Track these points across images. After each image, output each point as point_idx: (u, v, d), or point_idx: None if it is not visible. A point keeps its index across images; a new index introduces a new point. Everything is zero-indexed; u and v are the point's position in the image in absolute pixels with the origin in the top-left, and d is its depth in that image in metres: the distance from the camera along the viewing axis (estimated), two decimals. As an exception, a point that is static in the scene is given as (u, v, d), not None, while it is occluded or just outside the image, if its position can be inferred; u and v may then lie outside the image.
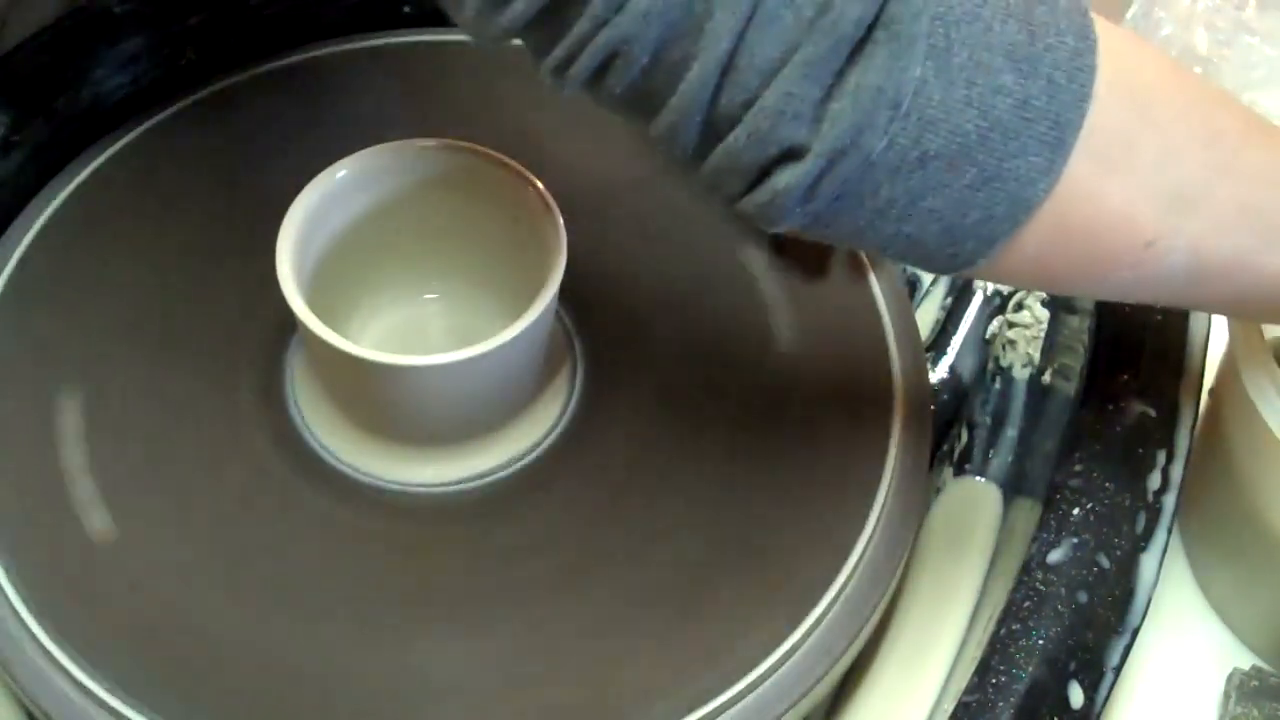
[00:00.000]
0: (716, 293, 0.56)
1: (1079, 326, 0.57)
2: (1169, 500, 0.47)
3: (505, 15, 0.35)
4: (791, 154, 0.35)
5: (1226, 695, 0.52)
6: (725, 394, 0.53)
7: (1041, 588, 0.44)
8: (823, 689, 0.47)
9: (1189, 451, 0.48)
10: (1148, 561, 0.46)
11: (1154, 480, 0.47)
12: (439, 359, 0.46)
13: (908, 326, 0.56)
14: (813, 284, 0.57)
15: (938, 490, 0.57)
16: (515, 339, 0.46)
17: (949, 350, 0.60)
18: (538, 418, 0.52)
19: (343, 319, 0.53)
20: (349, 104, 0.60)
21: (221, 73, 0.60)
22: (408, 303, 0.55)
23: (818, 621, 0.47)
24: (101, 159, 0.57)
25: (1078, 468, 0.47)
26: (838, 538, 0.49)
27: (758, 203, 0.36)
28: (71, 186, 0.56)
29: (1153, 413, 0.49)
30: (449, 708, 0.45)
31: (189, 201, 0.56)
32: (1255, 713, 0.50)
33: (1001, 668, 0.43)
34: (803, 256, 0.57)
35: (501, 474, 0.51)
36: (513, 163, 0.50)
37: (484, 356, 0.46)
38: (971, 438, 0.58)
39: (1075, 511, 0.46)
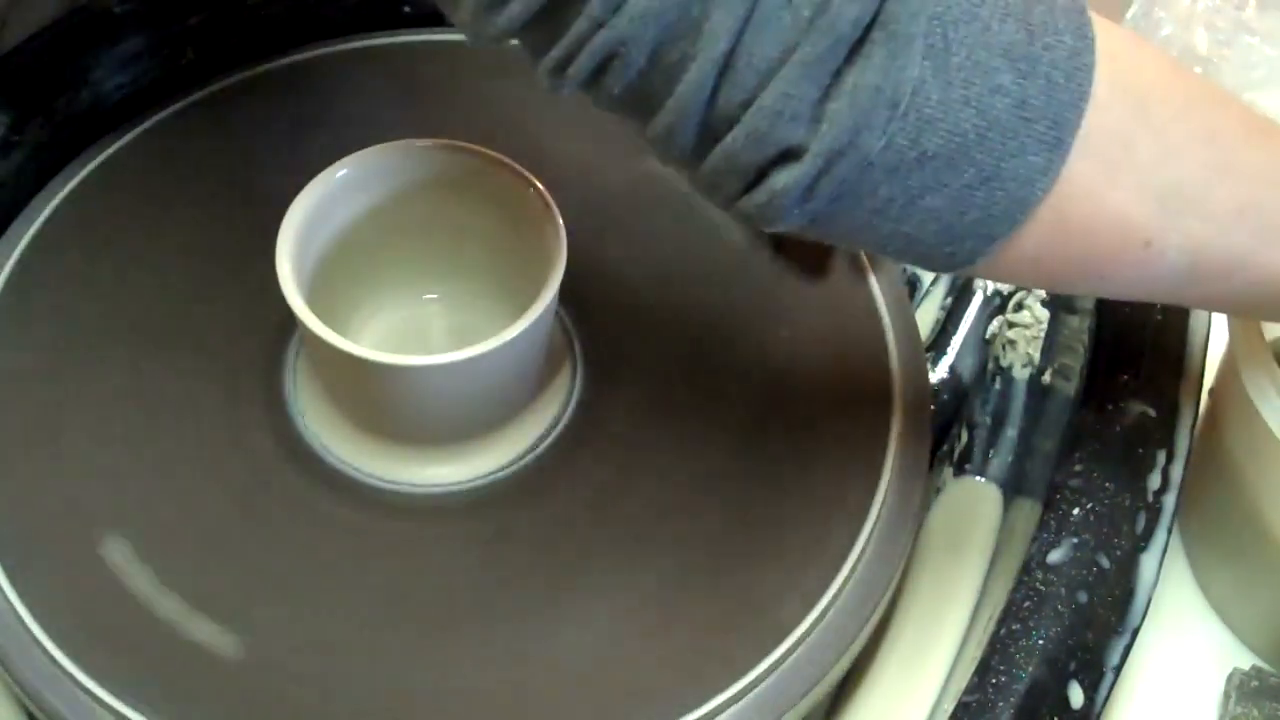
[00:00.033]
0: (716, 293, 0.56)
1: (1079, 326, 0.56)
2: (1169, 500, 0.47)
3: (502, 16, 0.35)
4: (789, 154, 0.35)
5: (1226, 695, 0.51)
6: (725, 394, 0.53)
7: (1041, 588, 0.44)
8: (823, 689, 0.47)
9: (1189, 451, 0.48)
10: (1148, 561, 0.46)
11: (1154, 480, 0.47)
12: (439, 359, 0.46)
13: (907, 326, 0.56)
14: (813, 284, 0.57)
15: (938, 490, 0.57)
16: (515, 339, 0.46)
17: (949, 350, 0.60)
18: (538, 418, 0.52)
19: (343, 319, 0.53)
20: (349, 104, 0.60)
21: (221, 73, 0.60)
22: (408, 303, 0.55)
23: (817, 621, 0.47)
24: (101, 159, 0.57)
25: (1078, 468, 0.47)
26: (837, 537, 0.49)
27: (756, 203, 0.36)
28: (71, 186, 0.56)
29: (1153, 413, 0.49)
30: (449, 707, 0.45)
31: (189, 201, 0.56)
32: (1255, 713, 0.50)
33: (1001, 668, 0.43)
34: (803, 256, 0.57)
35: (501, 474, 0.51)
36: (513, 163, 0.50)
37: (484, 356, 0.46)
38: (971, 438, 0.58)
39: (1075, 511, 0.46)
